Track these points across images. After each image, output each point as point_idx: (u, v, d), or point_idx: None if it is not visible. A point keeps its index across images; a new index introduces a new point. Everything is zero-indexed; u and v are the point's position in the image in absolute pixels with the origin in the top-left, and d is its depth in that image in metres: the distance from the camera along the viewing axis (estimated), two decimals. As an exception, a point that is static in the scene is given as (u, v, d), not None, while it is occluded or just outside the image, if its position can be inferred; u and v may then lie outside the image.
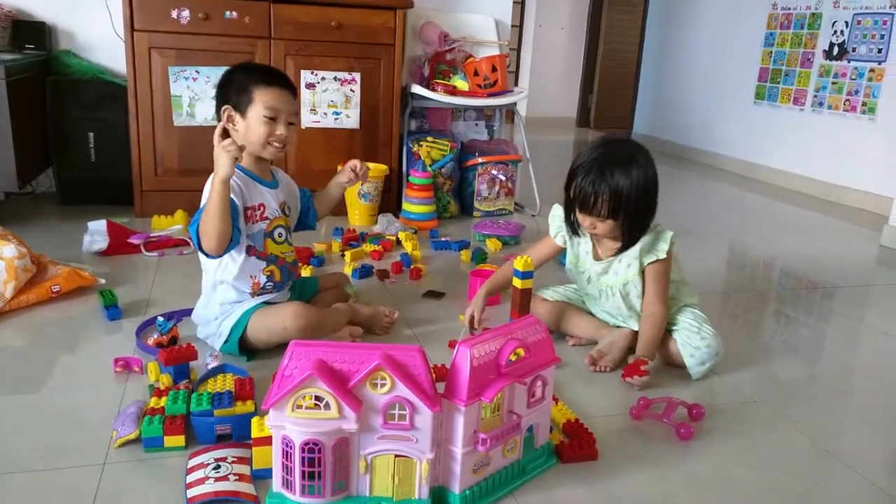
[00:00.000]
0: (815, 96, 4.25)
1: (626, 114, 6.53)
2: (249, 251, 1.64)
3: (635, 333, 1.76)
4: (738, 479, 1.31)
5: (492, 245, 2.68)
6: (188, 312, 1.84)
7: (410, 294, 2.16)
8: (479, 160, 3.13)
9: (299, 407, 1.07)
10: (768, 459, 1.39)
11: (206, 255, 1.60)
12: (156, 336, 1.68)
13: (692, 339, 1.69)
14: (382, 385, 1.08)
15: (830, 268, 2.75)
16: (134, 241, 2.43)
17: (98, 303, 1.90)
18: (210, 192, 1.53)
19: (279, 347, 1.61)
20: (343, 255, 2.44)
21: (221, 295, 1.66)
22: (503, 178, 3.19)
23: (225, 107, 1.65)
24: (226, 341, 1.64)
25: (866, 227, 3.48)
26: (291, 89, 1.69)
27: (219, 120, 1.64)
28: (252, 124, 1.63)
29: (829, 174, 4.15)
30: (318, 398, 1.07)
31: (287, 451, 1.09)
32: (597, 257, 1.77)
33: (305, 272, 2.19)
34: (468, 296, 2.11)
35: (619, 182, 1.60)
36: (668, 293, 1.73)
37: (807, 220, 3.70)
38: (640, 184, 1.61)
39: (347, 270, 2.27)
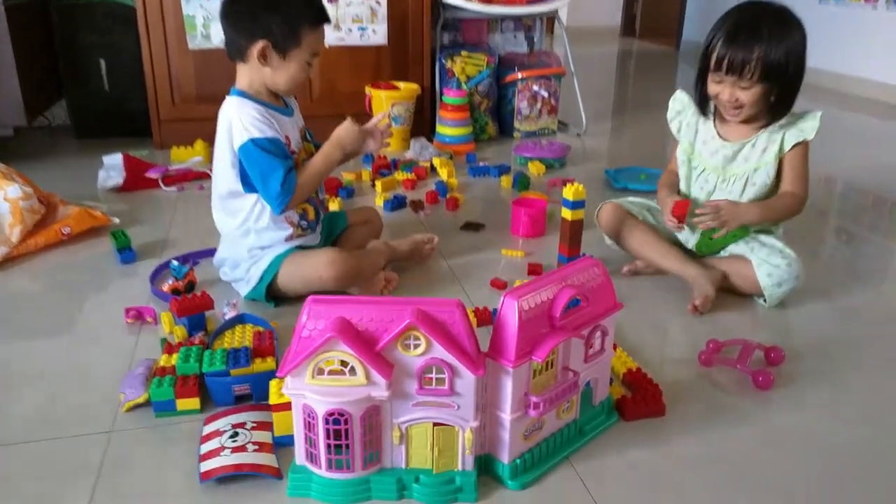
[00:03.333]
0: (893, -10, 3.81)
1: (674, 21, 6.07)
2: None
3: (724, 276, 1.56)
4: (831, 436, 1.13)
5: (534, 169, 2.46)
6: (206, 253, 1.70)
7: (447, 226, 1.97)
8: (519, 75, 2.87)
9: (321, 372, 0.92)
10: (865, 410, 1.20)
11: (278, 210, 1.45)
12: (171, 282, 1.54)
13: (771, 258, 1.49)
14: (416, 346, 0.91)
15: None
16: (151, 175, 2.29)
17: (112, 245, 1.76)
18: (326, 158, 1.49)
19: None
20: (374, 185, 2.25)
21: (252, 240, 1.50)
22: (545, 94, 2.93)
23: (263, 44, 1.40)
24: (254, 287, 1.50)
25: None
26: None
27: (237, 51, 1.44)
28: (292, 69, 1.44)
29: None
30: (342, 362, 0.91)
31: (309, 422, 0.95)
32: (725, 140, 1.56)
33: (333, 206, 2.02)
34: (511, 227, 1.92)
35: (777, 40, 1.41)
36: (808, 179, 1.52)
37: (883, 130, 3.36)
38: (799, 44, 1.43)
39: (378, 202, 2.10)
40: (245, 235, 1.50)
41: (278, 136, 1.42)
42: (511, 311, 0.93)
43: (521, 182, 2.28)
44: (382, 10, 2.73)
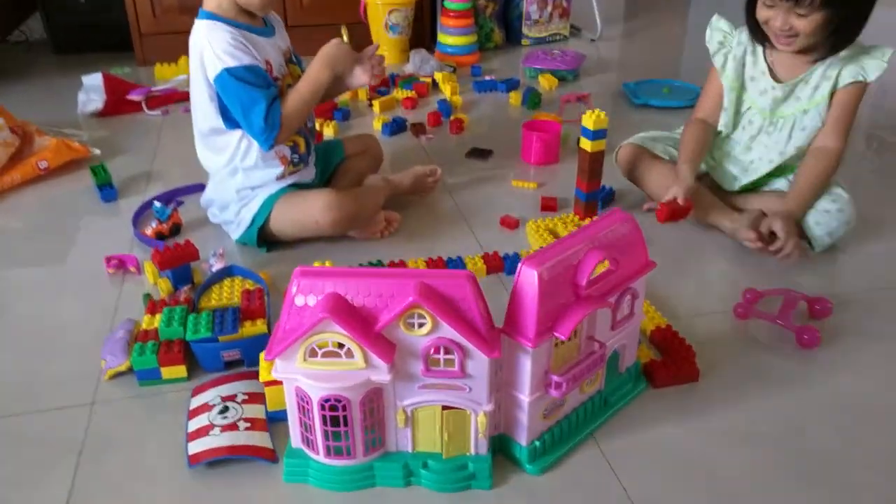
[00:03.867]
0: None
1: None
2: None
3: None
4: (888, 402, 1.02)
5: (545, 82, 2.27)
6: (192, 189, 1.57)
7: (452, 153, 1.82)
8: (529, -26, 2.62)
9: (314, 354, 0.81)
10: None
11: (266, 146, 1.30)
12: (154, 225, 1.42)
13: (821, 202, 1.33)
14: (421, 325, 0.80)
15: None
16: (134, 97, 2.11)
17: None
18: (313, 82, 1.31)
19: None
20: (371, 105, 2.08)
21: (240, 180, 1.36)
22: (558, -5, 2.68)
23: None
24: (245, 231, 1.37)
25: None
26: None
27: None
28: None
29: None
30: (338, 343, 0.80)
31: (304, 407, 0.85)
32: (776, 80, 1.37)
33: (328, 131, 1.86)
34: (521, 153, 1.76)
35: None
36: (849, 131, 1.34)
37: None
38: None
39: (377, 125, 1.93)
40: (233, 175, 1.36)
41: (256, 63, 1.25)
42: (530, 283, 0.81)
43: (532, 99, 2.09)
44: None
